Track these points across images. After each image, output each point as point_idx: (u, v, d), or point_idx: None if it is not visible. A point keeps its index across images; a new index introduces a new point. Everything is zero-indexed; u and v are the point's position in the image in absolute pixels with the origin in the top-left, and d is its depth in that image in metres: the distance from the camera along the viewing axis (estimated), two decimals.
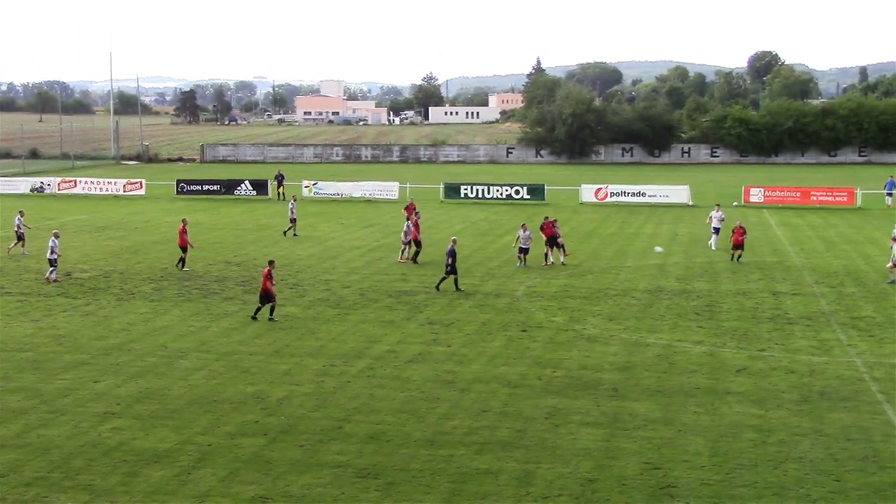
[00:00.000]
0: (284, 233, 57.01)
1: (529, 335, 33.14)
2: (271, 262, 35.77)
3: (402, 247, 48.24)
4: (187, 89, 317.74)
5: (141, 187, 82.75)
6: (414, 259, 47.19)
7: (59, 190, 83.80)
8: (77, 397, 26.35)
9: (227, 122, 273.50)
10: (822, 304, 37.82)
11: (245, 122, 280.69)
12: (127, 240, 55.27)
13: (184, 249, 45.43)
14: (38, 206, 72.77)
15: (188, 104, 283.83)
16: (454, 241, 41.31)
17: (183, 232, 45.60)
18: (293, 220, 57.16)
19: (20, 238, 50.02)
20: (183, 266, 45.22)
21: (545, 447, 22.61)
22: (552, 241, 46.66)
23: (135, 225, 62.40)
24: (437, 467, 21.42)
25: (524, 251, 46.13)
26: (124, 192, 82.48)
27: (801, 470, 21.15)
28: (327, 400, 26.20)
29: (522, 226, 47.03)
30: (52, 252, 41.97)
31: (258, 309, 35.21)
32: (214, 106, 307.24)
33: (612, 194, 76.11)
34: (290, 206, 57.97)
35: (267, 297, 34.81)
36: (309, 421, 24.51)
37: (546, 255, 46.74)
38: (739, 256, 47.27)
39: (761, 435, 23.29)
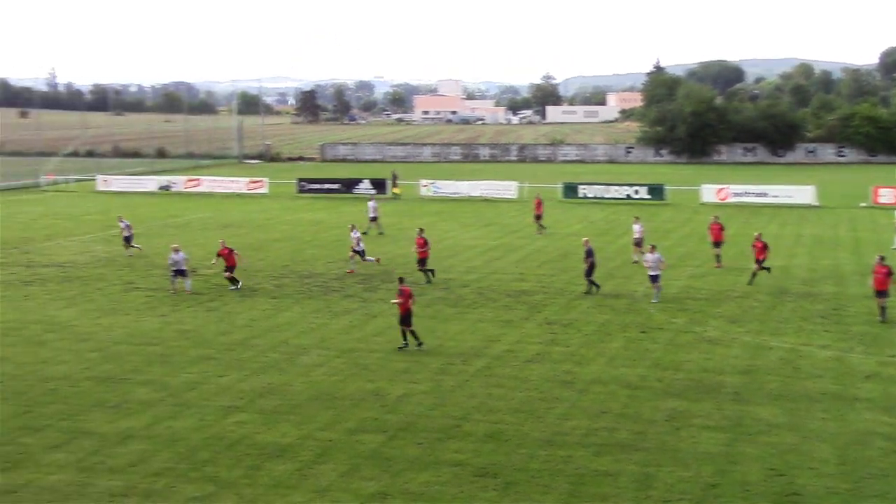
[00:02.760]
0: (379, 233, 57.45)
1: (649, 336, 32.76)
2: (401, 280, 32.44)
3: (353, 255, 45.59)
4: (308, 89, 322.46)
5: (263, 186, 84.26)
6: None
7: (184, 188, 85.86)
8: (202, 391, 26.97)
9: (346, 122, 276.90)
10: None
11: (364, 122, 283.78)
12: (249, 237, 56.29)
13: (231, 269, 41.29)
14: (164, 204, 74.80)
15: (309, 104, 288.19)
16: (587, 242, 40.84)
17: (228, 252, 41.45)
18: (373, 219, 57.72)
19: (127, 240, 50.09)
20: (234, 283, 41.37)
21: (665, 450, 22.31)
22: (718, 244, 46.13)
23: (257, 223, 63.55)
24: (555, 468, 21.32)
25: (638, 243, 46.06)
26: (247, 190, 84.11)
27: None
28: (445, 398, 26.29)
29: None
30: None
31: (405, 332, 31.45)
32: (334, 105, 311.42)
33: (734, 194, 74.70)
34: (370, 205, 58.64)
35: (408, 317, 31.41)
36: (427, 419, 24.63)
37: (717, 256, 46.15)
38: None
39: (892, 444, 22.58)
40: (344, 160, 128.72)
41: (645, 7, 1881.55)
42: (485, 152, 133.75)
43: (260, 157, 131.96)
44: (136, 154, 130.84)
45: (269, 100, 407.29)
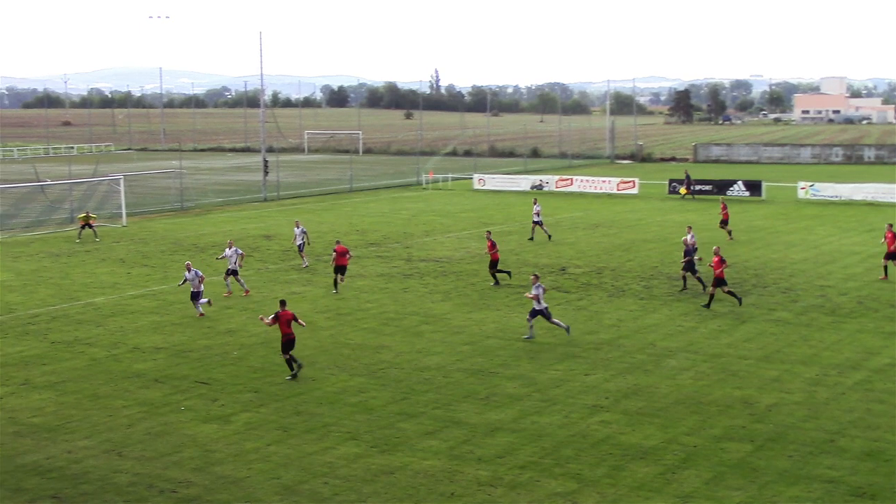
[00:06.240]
0: (537, 238, 55.69)
1: None
2: (283, 302, 29.05)
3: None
4: (682, 89, 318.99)
5: (634, 186, 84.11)
6: None
7: (556, 188, 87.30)
8: (568, 388, 27.28)
9: (720, 122, 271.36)
10: None
11: (739, 122, 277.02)
12: (619, 237, 56.37)
13: (495, 265, 42.39)
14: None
15: (682, 104, 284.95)
16: (686, 241, 40.84)
17: (492, 246, 42.18)
18: (537, 223, 55.67)
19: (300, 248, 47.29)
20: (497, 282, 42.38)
21: None
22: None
23: (627, 223, 63.51)
24: None
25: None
26: (617, 190, 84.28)
27: None
28: (819, 411, 25.06)
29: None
30: None
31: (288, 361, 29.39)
32: (708, 105, 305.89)
33: None
34: (535, 208, 56.28)
35: None
36: (799, 431, 23.57)
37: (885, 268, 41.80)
38: None
39: None
40: (717, 161, 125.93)
41: None
42: (870, 153, 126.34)
43: (632, 157, 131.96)
44: (511, 153, 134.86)
45: (642, 100, 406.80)
